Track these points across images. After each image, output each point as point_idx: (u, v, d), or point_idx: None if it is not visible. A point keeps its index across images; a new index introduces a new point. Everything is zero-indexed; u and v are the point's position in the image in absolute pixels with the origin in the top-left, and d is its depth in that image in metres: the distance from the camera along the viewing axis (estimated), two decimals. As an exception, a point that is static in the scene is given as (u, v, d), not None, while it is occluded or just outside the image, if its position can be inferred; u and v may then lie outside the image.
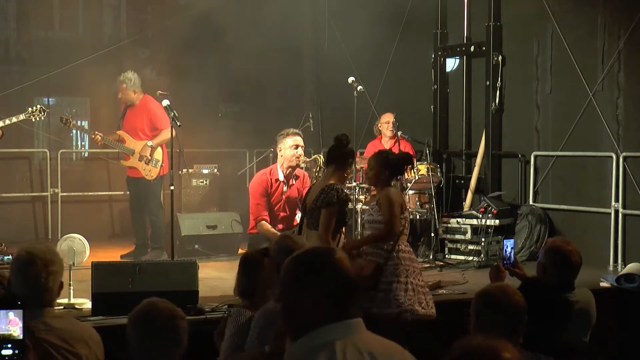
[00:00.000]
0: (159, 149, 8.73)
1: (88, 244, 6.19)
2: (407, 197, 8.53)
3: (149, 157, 8.69)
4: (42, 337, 3.21)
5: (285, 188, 7.40)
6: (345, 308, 2.46)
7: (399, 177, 5.77)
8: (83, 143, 11.79)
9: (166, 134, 8.28)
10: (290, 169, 7.38)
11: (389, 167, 5.67)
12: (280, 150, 7.42)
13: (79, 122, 9.29)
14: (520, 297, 3.37)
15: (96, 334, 3.42)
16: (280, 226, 7.30)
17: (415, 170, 8.64)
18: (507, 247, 4.83)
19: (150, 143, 8.68)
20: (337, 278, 2.47)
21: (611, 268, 7.99)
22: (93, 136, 8.70)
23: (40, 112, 8.19)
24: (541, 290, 3.75)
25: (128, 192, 9.25)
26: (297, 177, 7.49)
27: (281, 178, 7.38)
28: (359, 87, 8.38)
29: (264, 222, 7.29)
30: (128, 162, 8.82)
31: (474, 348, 2.25)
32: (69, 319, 3.45)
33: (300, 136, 7.40)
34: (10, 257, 8.25)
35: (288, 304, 2.50)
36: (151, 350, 2.98)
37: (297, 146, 7.32)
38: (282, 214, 7.39)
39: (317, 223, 5.73)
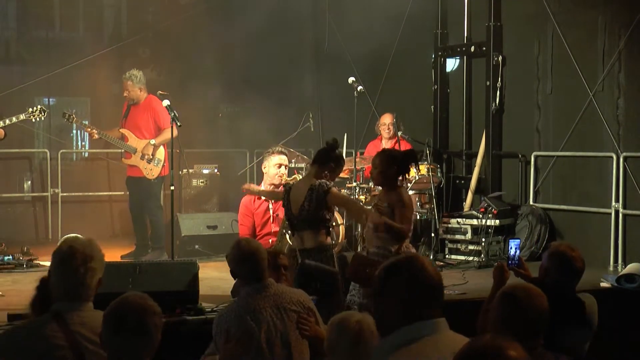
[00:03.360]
0: (161, 148, 8.73)
1: (88, 244, 6.20)
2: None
3: (151, 156, 8.69)
4: (76, 330, 3.23)
5: (270, 205, 7.46)
6: (427, 309, 2.72)
7: (405, 177, 5.70)
8: (83, 143, 11.79)
9: (169, 134, 8.30)
10: (273, 187, 7.44)
11: (396, 162, 5.56)
12: (264, 168, 7.52)
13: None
14: (544, 298, 3.38)
15: None
16: (273, 240, 7.34)
17: (415, 170, 8.65)
18: (512, 247, 4.82)
19: (153, 141, 8.68)
20: (419, 282, 2.74)
21: (611, 268, 8.00)
22: (89, 130, 8.69)
23: (41, 113, 8.19)
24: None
25: (128, 193, 9.25)
26: None
27: (263, 197, 7.47)
28: (359, 87, 8.38)
29: None
30: (129, 161, 8.81)
31: (481, 346, 2.27)
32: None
33: (286, 155, 7.51)
34: (10, 257, 8.27)
35: (378, 305, 2.82)
36: (117, 346, 2.99)
37: (280, 165, 7.43)
38: (274, 230, 7.44)
39: (308, 222, 5.73)
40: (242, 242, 4.42)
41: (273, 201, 7.44)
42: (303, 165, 8.83)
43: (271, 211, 7.45)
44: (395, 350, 2.64)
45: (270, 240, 7.39)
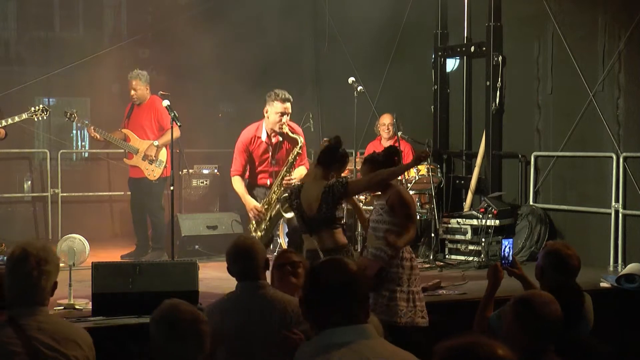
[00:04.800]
0: (164, 149, 8.72)
1: (88, 244, 6.20)
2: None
3: (154, 157, 8.68)
4: (33, 336, 3.19)
5: (269, 147, 7.30)
6: (355, 313, 2.67)
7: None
8: (83, 143, 11.80)
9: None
10: (273, 132, 7.26)
11: (382, 165, 5.56)
12: (266, 112, 7.21)
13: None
14: (557, 305, 3.40)
15: (88, 336, 3.38)
16: (270, 180, 7.26)
17: (415, 170, 8.65)
18: (505, 247, 4.80)
19: (156, 143, 8.67)
20: (350, 287, 2.71)
21: (611, 268, 7.99)
22: (92, 132, 8.68)
23: (43, 112, 8.19)
24: None
25: (129, 193, 9.25)
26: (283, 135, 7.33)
27: (264, 138, 7.28)
28: (359, 87, 8.38)
29: (236, 177, 7.26)
30: (131, 161, 8.80)
31: (468, 346, 2.23)
32: (61, 320, 3.42)
33: (290, 102, 7.16)
34: (10, 257, 8.25)
35: (307, 305, 2.76)
36: (175, 353, 2.98)
37: (283, 114, 7.12)
38: (272, 169, 7.30)
39: (325, 222, 5.60)
40: (239, 239, 4.36)
41: (271, 146, 7.27)
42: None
43: (270, 154, 7.29)
44: (323, 352, 2.59)
45: (268, 182, 7.28)
